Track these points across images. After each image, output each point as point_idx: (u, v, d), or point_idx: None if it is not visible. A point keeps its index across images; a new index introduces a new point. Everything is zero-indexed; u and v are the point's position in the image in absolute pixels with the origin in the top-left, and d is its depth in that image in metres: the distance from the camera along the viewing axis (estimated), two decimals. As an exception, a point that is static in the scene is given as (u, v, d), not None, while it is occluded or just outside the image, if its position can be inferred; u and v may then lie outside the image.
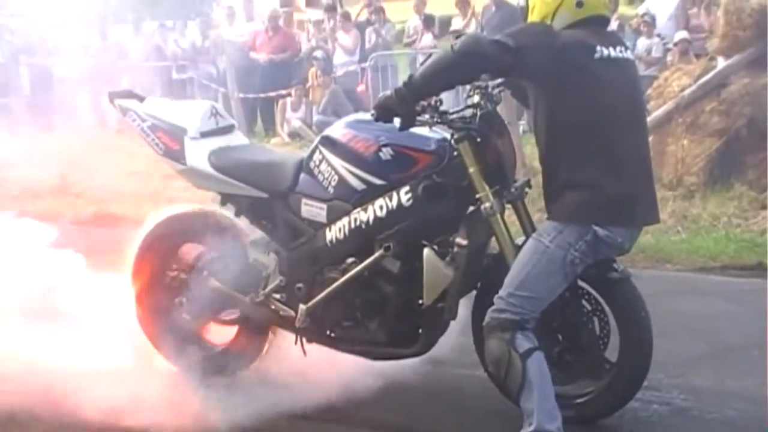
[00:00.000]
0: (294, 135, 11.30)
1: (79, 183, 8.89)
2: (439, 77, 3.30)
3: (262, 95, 11.75)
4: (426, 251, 3.51)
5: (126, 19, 13.70)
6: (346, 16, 12.29)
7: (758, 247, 5.99)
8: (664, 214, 7.29)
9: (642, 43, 10.65)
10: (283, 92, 11.69)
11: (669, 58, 9.97)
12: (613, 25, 10.90)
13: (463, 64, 3.22)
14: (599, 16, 3.38)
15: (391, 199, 3.57)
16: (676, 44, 9.81)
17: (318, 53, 11.67)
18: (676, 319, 4.64)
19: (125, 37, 13.47)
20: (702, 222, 7.03)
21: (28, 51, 12.92)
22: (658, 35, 10.50)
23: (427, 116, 3.45)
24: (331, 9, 12.79)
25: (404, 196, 3.55)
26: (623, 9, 11.89)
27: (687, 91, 7.76)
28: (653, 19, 10.67)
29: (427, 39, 11.42)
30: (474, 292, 3.67)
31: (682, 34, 9.80)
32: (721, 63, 7.85)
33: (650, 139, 7.89)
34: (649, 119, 8.04)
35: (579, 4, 3.33)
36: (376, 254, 3.60)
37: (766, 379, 3.64)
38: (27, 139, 10.44)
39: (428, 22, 11.79)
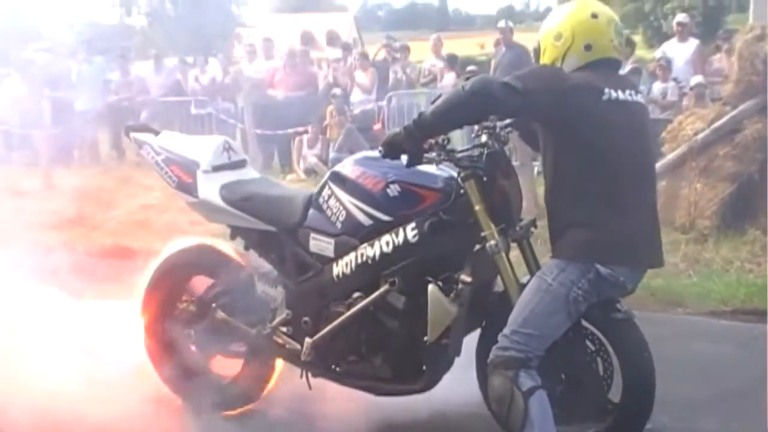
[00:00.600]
0: (310, 172, 11.39)
1: (96, 215, 8.98)
2: (448, 116, 3.34)
3: (279, 132, 11.87)
4: (430, 287, 3.54)
5: (148, 55, 13.90)
6: (364, 55, 12.44)
7: (768, 292, 5.96)
8: (676, 258, 7.32)
9: (657, 86, 10.72)
10: (300, 129, 11.81)
11: (685, 102, 10.01)
12: (629, 69, 11.02)
13: (472, 104, 3.28)
14: (609, 59, 3.42)
15: (397, 235, 3.62)
16: (692, 88, 9.85)
17: (335, 91, 11.78)
18: (684, 363, 4.62)
19: (146, 73, 13.65)
20: (714, 266, 7.00)
21: (51, 84, 13.11)
22: (674, 79, 10.56)
23: (434, 154, 3.50)
24: (348, 48, 12.95)
25: (410, 232, 3.59)
26: (641, 52, 11.96)
27: (700, 135, 7.78)
28: (669, 62, 10.73)
29: (450, 78, 11.51)
30: (479, 330, 3.69)
31: (698, 79, 9.84)
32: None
33: (663, 182, 8.07)
34: (662, 162, 8.11)
35: (587, 47, 3.38)
36: (381, 289, 3.63)
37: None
38: (46, 170, 10.64)
39: (451, 61, 11.90)
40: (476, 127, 3.72)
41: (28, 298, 5.22)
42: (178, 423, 4.04)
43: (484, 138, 3.65)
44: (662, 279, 6.52)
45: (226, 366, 4.25)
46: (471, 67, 11.48)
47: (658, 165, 8.18)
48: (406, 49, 12.35)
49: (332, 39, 14.61)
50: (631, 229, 3.27)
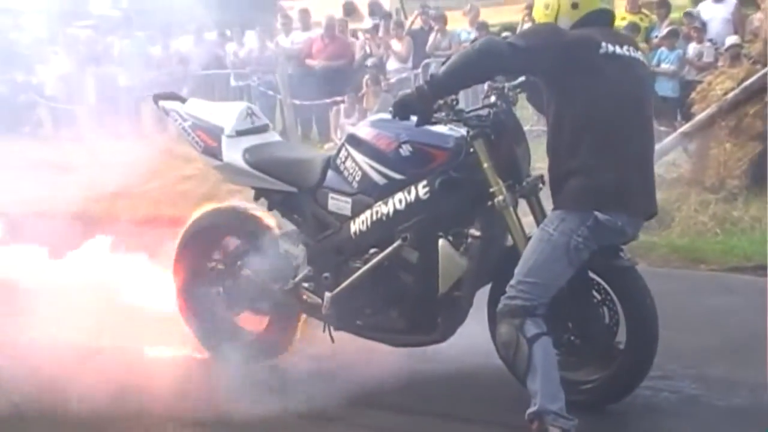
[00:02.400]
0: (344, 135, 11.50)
1: (138, 186, 9.24)
2: (458, 75, 3.50)
3: (316, 102, 12.02)
4: (441, 241, 3.70)
5: (188, 30, 14.10)
6: (399, 24, 12.51)
7: (791, 248, 6.02)
8: (705, 217, 7.38)
9: (693, 48, 10.65)
10: (337, 99, 11.95)
11: (720, 63, 9.93)
12: (666, 31, 10.97)
13: (480, 63, 3.43)
14: (599, 11, 3.56)
15: (409, 193, 3.78)
16: (727, 49, 9.75)
17: (371, 60, 11.90)
18: (699, 315, 4.76)
19: (187, 47, 13.87)
20: (742, 225, 7.06)
21: (95, 61, 13.41)
22: (710, 40, 10.48)
23: (443, 114, 3.65)
24: (388, 18, 13.02)
25: (422, 190, 3.75)
26: (676, 15, 11.84)
27: (730, 95, 7.77)
28: (703, 24, 10.66)
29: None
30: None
31: (733, 39, 9.71)
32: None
33: (693, 143, 8.08)
34: (692, 123, 8.15)
35: (574, 6, 3.54)
36: (395, 244, 3.80)
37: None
38: (90, 144, 10.94)
39: (481, 29, 11.91)
40: (486, 88, 3.87)
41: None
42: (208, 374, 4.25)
43: (493, 98, 3.79)
44: (688, 238, 6.63)
45: (254, 322, 4.45)
46: (505, 33, 11.50)
47: (689, 125, 8.25)
48: (442, 18, 12.39)
49: (374, 9, 14.64)
50: (625, 177, 3.40)
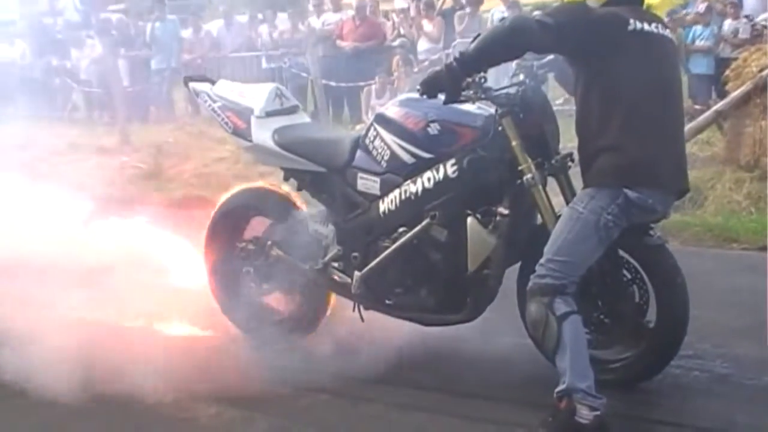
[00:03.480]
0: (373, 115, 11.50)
1: (171, 168, 9.34)
2: (489, 51, 3.48)
3: (349, 84, 12.02)
4: (470, 219, 3.70)
5: (219, 12, 14.18)
6: (430, 5, 12.43)
7: (826, 227, 5.94)
8: (739, 195, 7.30)
9: (728, 24, 10.51)
10: (370, 81, 11.94)
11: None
12: (703, 7, 10.82)
13: (511, 39, 3.42)
14: None
15: (438, 172, 3.78)
16: (764, 25, 9.60)
17: (402, 41, 11.87)
18: (729, 294, 4.72)
19: (218, 30, 13.93)
20: (777, 204, 6.97)
21: (127, 44, 13.51)
22: (747, 16, 10.33)
23: (471, 92, 3.63)
24: (418, -2, 12.98)
25: (450, 168, 3.75)
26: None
27: (765, 72, 7.66)
28: (740, 0, 10.51)
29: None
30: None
31: (767, 15, 9.59)
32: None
33: (728, 121, 7.97)
34: (726, 101, 8.04)
35: None
36: (424, 223, 3.81)
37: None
38: (123, 128, 11.05)
39: (512, 7, 11.85)
40: (514, 67, 3.85)
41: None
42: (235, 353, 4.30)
43: (521, 77, 3.77)
44: (721, 216, 6.56)
45: (283, 302, 4.49)
46: (536, 12, 11.39)
47: (723, 103, 8.15)
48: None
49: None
50: (654, 154, 3.37)
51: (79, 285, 4.83)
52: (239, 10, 15.21)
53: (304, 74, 12.43)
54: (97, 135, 11.44)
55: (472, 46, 3.52)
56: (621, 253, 3.64)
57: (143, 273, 5.17)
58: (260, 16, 13.85)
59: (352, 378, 3.95)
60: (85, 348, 4.15)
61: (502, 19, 3.59)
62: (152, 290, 4.91)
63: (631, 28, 3.36)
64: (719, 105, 8.25)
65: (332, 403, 3.81)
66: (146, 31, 13.76)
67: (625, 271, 3.67)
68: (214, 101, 4.49)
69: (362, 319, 4.15)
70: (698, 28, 10.66)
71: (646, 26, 3.39)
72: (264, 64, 12.99)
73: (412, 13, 12.64)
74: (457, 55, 3.54)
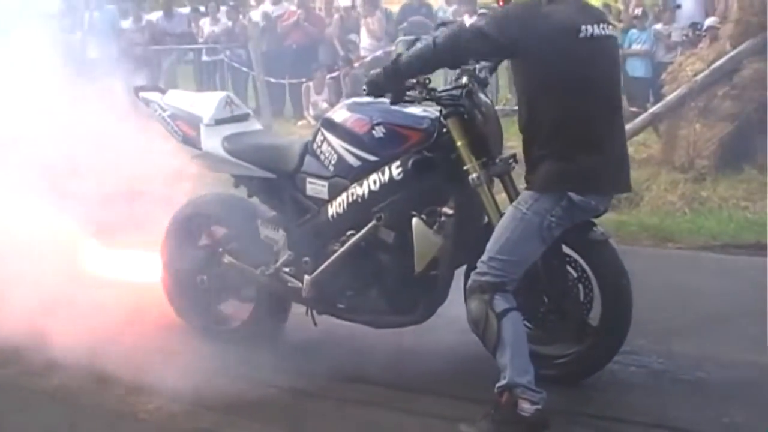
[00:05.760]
0: (319, 118, 11.47)
1: (107, 161, 9.15)
2: (421, 67, 3.59)
3: (290, 81, 11.99)
4: (414, 220, 3.74)
5: (159, 5, 14.01)
6: (373, 2, 12.46)
7: (758, 227, 6.14)
8: (674, 197, 7.50)
9: (662, 28, 10.73)
10: (310, 77, 11.93)
11: (700, 45, 9.85)
12: (637, 11, 11.04)
13: (442, 58, 3.53)
14: None
15: (383, 174, 3.82)
16: (705, 30, 9.67)
17: (345, 38, 11.89)
18: (668, 293, 4.84)
19: (158, 21, 13.76)
20: (710, 204, 7.19)
21: (65, 32, 13.23)
22: (694, 24, 10.45)
23: (416, 92, 3.69)
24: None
25: (396, 170, 3.79)
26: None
27: (700, 76, 7.88)
28: (677, 5, 10.74)
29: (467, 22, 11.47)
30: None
31: (711, 21, 9.66)
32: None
33: (663, 123, 8.17)
34: (662, 104, 8.26)
35: None
36: (370, 225, 3.84)
37: (739, 347, 3.84)
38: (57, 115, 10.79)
39: (466, 3, 11.78)
40: (458, 69, 3.90)
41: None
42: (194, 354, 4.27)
43: (464, 80, 3.82)
44: (657, 217, 6.73)
45: (239, 308, 4.49)
46: (482, 10, 11.43)
47: (659, 105, 8.36)
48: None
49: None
50: (602, 160, 3.42)
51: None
52: (180, 2, 15.04)
53: (245, 69, 12.37)
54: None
55: (406, 56, 3.57)
56: (567, 250, 3.71)
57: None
58: (202, 8, 13.73)
59: (300, 373, 3.97)
60: (22, 339, 4.10)
61: (440, 25, 3.61)
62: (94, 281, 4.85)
63: (582, 35, 3.36)
64: (655, 108, 8.47)
65: (279, 398, 3.81)
66: (84, 20, 13.51)
67: (571, 270, 3.74)
68: (164, 110, 4.50)
69: (315, 324, 4.16)
70: (634, 31, 10.88)
71: (595, 30, 3.39)
72: (204, 57, 12.88)
73: (357, 8, 12.66)
74: (395, 60, 3.60)
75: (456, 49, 3.45)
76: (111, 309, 4.46)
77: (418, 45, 3.56)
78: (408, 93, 3.66)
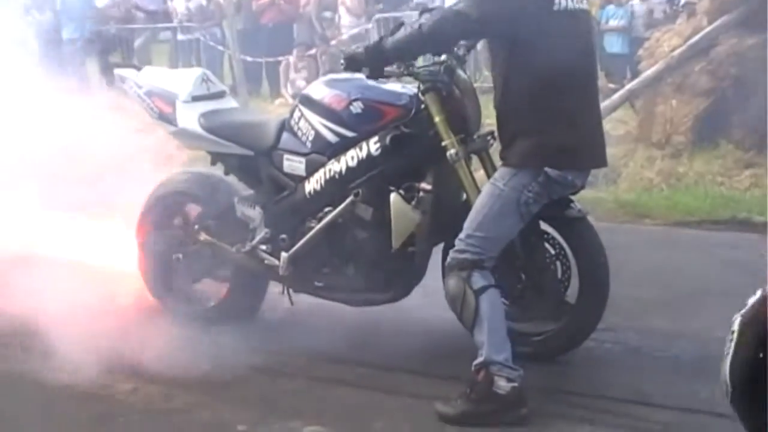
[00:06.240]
0: (297, 96, 11.43)
1: (85, 142, 9.07)
2: (407, 52, 3.58)
3: (267, 59, 11.90)
4: (393, 195, 3.72)
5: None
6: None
7: (733, 203, 6.19)
8: (651, 173, 7.53)
9: (641, 5, 10.74)
10: (288, 55, 11.85)
11: (679, 20, 9.84)
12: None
13: (428, 43, 3.50)
14: None
15: (361, 150, 3.80)
16: (682, 6, 9.70)
17: (323, 15, 11.81)
18: (644, 269, 4.88)
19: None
20: (687, 180, 7.23)
21: (39, 9, 13.07)
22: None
23: (394, 67, 3.66)
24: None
25: (373, 146, 3.77)
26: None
27: (677, 52, 7.90)
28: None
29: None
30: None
31: None
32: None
33: (640, 100, 8.20)
34: (639, 80, 8.27)
35: None
36: (348, 200, 3.82)
37: (714, 323, 3.85)
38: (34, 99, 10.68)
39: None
40: None
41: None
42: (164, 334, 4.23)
43: (443, 57, 3.79)
44: (634, 193, 6.76)
45: (216, 287, 4.45)
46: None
47: (636, 82, 8.37)
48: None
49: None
50: (578, 135, 3.43)
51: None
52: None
53: (221, 47, 12.27)
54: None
55: (391, 41, 3.54)
56: (544, 226, 3.71)
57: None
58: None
59: (273, 352, 3.96)
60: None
61: (423, 11, 3.59)
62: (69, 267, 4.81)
63: (556, 8, 3.36)
64: (632, 84, 8.48)
65: (253, 378, 3.79)
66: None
67: (549, 247, 3.75)
68: (140, 87, 4.45)
69: (291, 303, 4.15)
70: (611, 7, 10.88)
71: (570, 3, 3.39)
72: (180, 36, 12.76)
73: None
74: (380, 42, 3.57)
75: (443, 35, 3.44)
76: (84, 290, 4.41)
77: (403, 31, 3.53)
78: (386, 69, 3.63)
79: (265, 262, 4.14)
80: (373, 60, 3.58)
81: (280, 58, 11.90)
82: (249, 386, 3.73)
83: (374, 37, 11.29)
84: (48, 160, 8.09)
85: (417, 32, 3.45)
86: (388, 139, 3.73)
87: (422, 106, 3.70)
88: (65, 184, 6.19)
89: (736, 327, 2.14)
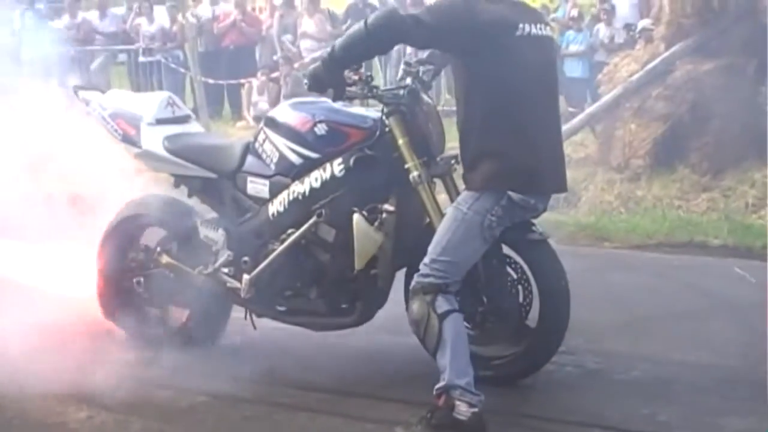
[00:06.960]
0: (259, 119, 11.40)
1: (50, 162, 8.95)
2: (353, 50, 3.51)
3: (229, 82, 11.87)
4: (355, 216, 3.71)
5: (94, 4, 13.77)
6: (313, 2, 12.37)
7: (691, 226, 6.26)
8: (610, 196, 7.61)
9: (603, 30, 10.87)
10: (250, 78, 11.83)
11: (637, 46, 9.91)
12: (573, 12, 11.17)
13: (373, 39, 3.44)
14: None
15: (325, 171, 3.80)
16: (640, 32, 9.80)
17: (283, 38, 11.82)
18: (603, 292, 4.91)
19: (93, 21, 13.51)
20: (645, 203, 7.31)
21: (-4, 33, 12.94)
22: (628, 25, 10.57)
23: (357, 88, 3.68)
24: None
25: (337, 167, 3.77)
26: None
27: (635, 77, 8.01)
28: (613, 7, 10.90)
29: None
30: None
31: (646, 23, 9.74)
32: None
33: (600, 124, 8.29)
34: (598, 104, 8.37)
35: None
36: (310, 221, 3.81)
37: (672, 346, 3.89)
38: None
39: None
40: (401, 71, 3.89)
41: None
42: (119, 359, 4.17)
43: (408, 80, 3.82)
44: (594, 216, 6.82)
45: (177, 311, 4.39)
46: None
47: (596, 106, 8.47)
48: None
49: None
50: (539, 159, 3.45)
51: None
52: (116, 1, 14.80)
53: (183, 69, 12.22)
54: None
55: (339, 42, 3.54)
56: (506, 250, 3.72)
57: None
58: (136, 5, 13.48)
59: (232, 378, 3.90)
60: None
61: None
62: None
63: (519, 33, 3.38)
64: (592, 108, 8.59)
65: (211, 404, 3.73)
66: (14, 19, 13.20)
67: (511, 271, 3.76)
68: (104, 109, 4.43)
69: (254, 327, 4.12)
70: (571, 33, 11.02)
71: (533, 29, 3.42)
72: (141, 58, 12.68)
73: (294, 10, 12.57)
74: (331, 49, 3.55)
75: (387, 30, 3.40)
76: (38, 315, 4.32)
77: (348, 32, 3.54)
78: (349, 89, 3.65)
79: (228, 284, 4.11)
80: (330, 71, 3.55)
81: (242, 81, 11.88)
82: (207, 413, 3.68)
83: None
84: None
85: (361, 29, 3.44)
86: (352, 160, 3.74)
87: (386, 128, 3.71)
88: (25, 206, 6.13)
89: None
